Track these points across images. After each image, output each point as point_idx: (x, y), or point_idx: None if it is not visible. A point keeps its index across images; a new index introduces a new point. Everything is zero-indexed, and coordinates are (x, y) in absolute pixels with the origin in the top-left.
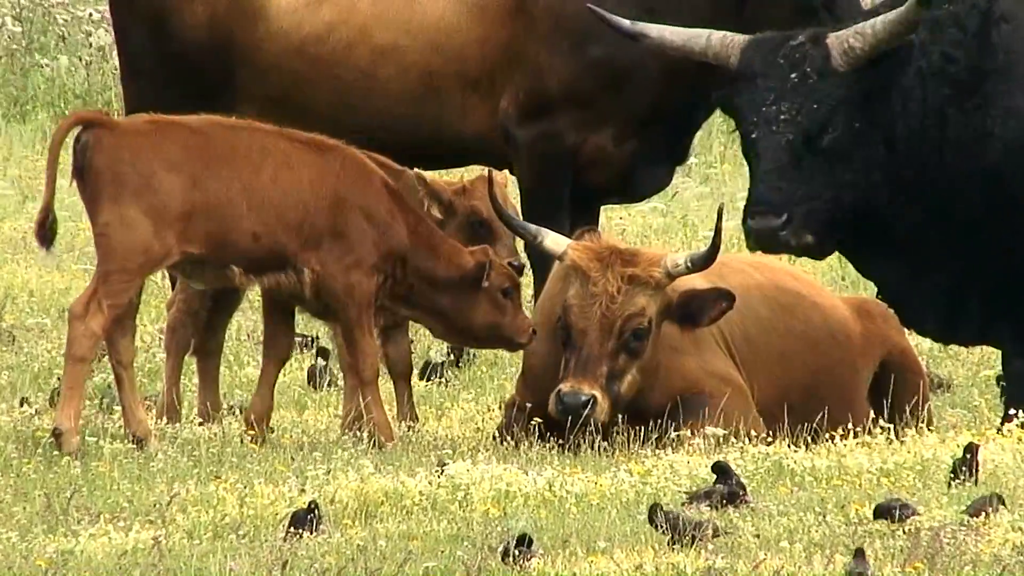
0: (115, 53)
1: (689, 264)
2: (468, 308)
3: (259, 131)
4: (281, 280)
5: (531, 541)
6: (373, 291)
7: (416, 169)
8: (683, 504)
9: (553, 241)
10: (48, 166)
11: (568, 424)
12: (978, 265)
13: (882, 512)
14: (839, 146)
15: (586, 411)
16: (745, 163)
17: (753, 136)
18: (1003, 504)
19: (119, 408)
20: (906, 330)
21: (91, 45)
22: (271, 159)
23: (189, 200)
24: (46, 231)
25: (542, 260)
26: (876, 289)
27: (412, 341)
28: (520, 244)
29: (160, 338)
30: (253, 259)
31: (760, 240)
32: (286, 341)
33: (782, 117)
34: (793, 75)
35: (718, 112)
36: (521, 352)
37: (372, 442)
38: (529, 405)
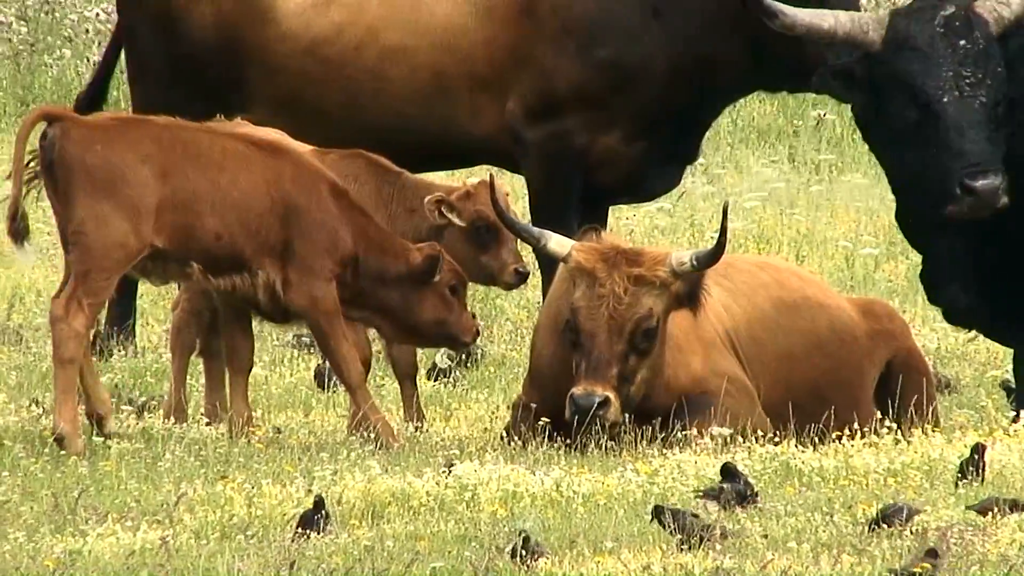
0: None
1: (695, 262)
2: (416, 305)
3: (218, 132)
4: (236, 282)
5: (528, 538)
6: (336, 297)
7: (436, 194)
8: (695, 502)
9: (557, 243)
10: (14, 161)
11: (577, 425)
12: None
13: (886, 520)
14: (1003, 113)
15: (599, 412)
16: (747, 163)
17: (945, 100)
18: (1016, 509)
19: (126, 408)
20: (913, 331)
21: (98, 43)
22: (232, 160)
23: (160, 193)
24: (18, 226)
25: (550, 261)
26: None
27: None
28: (526, 248)
29: (167, 339)
30: (213, 258)
31: (982, 200)
32: (247, 349)
33: (967, 81)
34: (963, 42)
35: (726, 112)
36: (528, 353)
37: (379, 443)
38: (535, 405)
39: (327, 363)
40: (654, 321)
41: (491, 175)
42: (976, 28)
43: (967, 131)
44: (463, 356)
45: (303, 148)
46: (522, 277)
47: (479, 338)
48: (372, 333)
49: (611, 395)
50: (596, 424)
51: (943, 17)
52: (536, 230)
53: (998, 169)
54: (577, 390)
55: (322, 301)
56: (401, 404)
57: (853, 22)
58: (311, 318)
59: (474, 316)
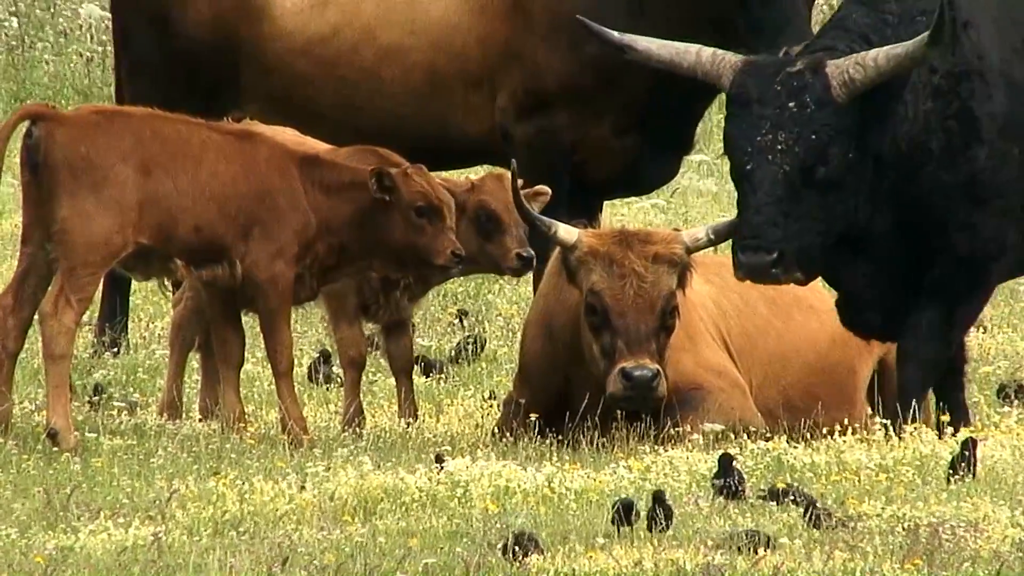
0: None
1: (712, 235)
2: (384, 230)
3: (193, 124)
4: (218, 273)
5: (520, 534)
6: (292, 280)
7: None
8: (686, 497)
9: (565, 231)
10: None
11: (629, 402)
12: (937, 261)
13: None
14: (833, 178)
15: (654, 385)
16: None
17: (748, 167)
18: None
19: (119, 404)
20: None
21: (90, 38)
22: (209, 152)
23: (142, 190)
24: None
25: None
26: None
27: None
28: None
29: (160, 335)
30: (195, 251)
31: (750, 273)
32: (238, 345)
33: (779, 147)
34: (792, 104)
35: (717, 106)
36: (518, 349)
37: (290, 439)
38: (524, 401)
39: (320, 359)
40: (676, 298)
41: (513, 167)
42: (810, 91)
43: (754, 201)
44: (455, 352)
45: (320, 146)
46: (526, 261)
47: (458, 264)
48: (367, 329)
49: (660, 368)
50: (651, 402)
51: (787, 73)
52: (547, 220)
53: (776, 247)
54: (627, 364)
55: (281, 280)
56: (392, 400)
57: (713, 64)
58: (266, 294)
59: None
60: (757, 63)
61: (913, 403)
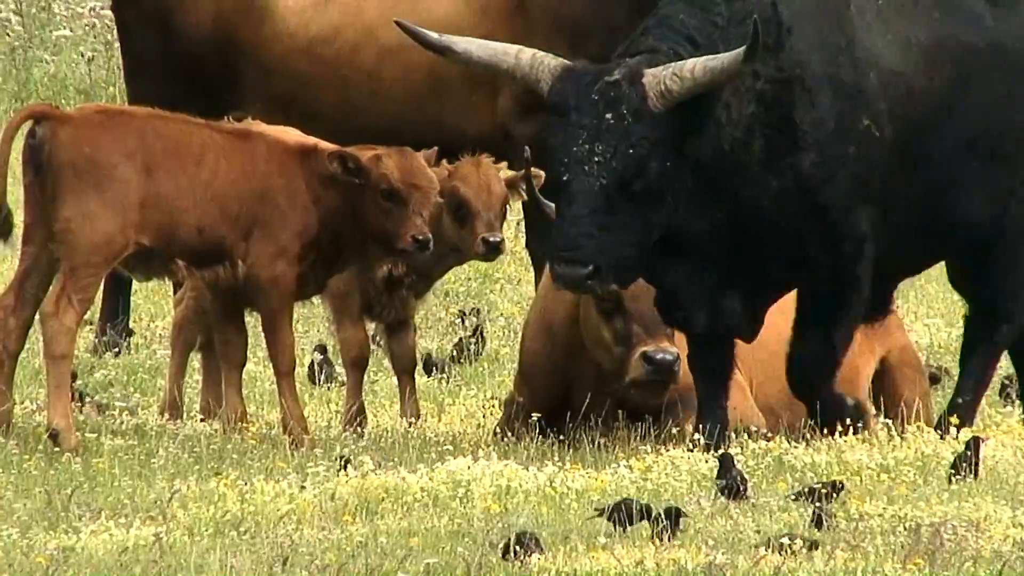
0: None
1: None
2: (362, 215)
3: (193, 124)
4: (219, 273)
5: (521, 533)
6: (294, 280)
7: (336, 149)
8: (688, 496)
9: None
10: (0, 161)
11: (656, 386)
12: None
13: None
14: (651, 189)
15: (675, 369)
16: None
17: (565, 177)
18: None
19: (120, 404)
20: (906, 326)
21: (93, 37)
22: (210, 152)
23: (145, 190)
24: (2, 224)
25: (542, 256)
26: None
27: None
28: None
29: (161, 335)
30: (196, 252)
31: (566, 285)
32: (240, 344)
33: (596, 159)
34: (608, 115)
35: None
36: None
37: (291, 440)
38: (525, 401)
39: (321, 358)
40: None
41: (527, 157)
42: (627, 102)
43: (570, 213)
44: (457, 352)
45: (326, 146)
46: (491, 246)
47: (419, 249)
48: (370, 329)
49: (679, 351)
50: (671, 380)
51: (604, 83)
52: (554, 206)
53: (591, 261)
54: (648, 348)
55: (282, 280)
56: (393, 400)
57: (532, 67)
58: (267, 295)
59: (417, 240)
60: (575, 70)
61: (839, 406)
